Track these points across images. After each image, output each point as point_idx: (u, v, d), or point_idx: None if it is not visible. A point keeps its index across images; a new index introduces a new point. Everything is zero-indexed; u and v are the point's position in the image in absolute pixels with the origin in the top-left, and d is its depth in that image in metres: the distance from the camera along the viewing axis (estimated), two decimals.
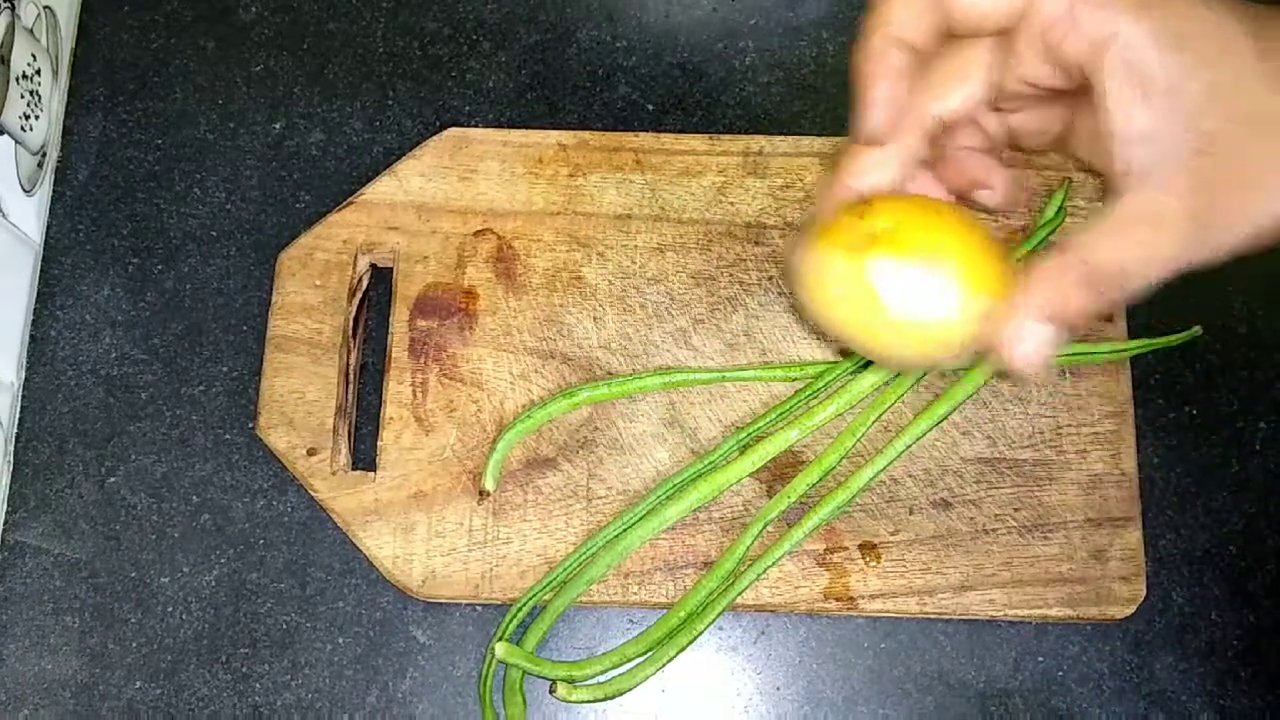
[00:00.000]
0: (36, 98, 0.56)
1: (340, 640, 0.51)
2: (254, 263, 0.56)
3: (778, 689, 0.51)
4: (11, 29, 0.54)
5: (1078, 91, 0.31)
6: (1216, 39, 0.29)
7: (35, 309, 0.56)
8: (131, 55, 0.60)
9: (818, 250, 0.34)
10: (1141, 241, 0.30)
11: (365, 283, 0.55)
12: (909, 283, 0.32)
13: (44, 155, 0.57)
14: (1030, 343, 0.31)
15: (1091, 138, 0.33)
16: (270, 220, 0.57)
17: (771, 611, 0.50)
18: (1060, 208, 0.53)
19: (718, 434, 0.51)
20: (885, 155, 0.34)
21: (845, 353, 0.50)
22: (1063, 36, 0.29)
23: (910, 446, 0.50)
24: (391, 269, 0.54)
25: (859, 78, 0.32)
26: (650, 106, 0.59)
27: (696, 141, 0.55)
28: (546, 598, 0.49)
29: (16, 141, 0.55)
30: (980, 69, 0.32)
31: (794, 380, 0.52)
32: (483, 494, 0.50)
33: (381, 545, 0.50)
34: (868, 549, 0.50)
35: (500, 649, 0.47)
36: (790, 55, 0.59)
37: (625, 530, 0.49)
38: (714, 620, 0.49)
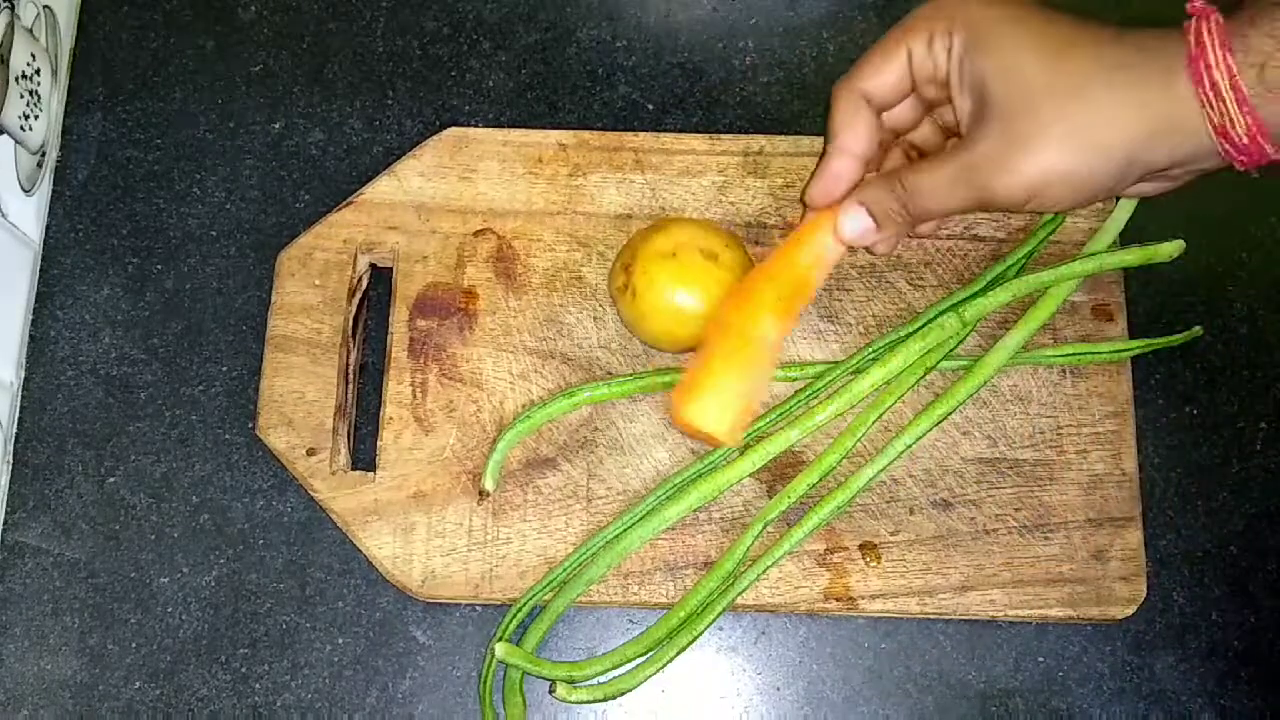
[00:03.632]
0: (36, 97, 0.56)
1: (340, 640, 0.51)
2: (254, 263, 0.56)
3: (778, 689, 0.51)
4: (11, 29, 0.54)
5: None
6: (1007, 36, 0.40)
7: (35, 309, 0.56)
8: (131, 55, 0.60)
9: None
10: (935, 183, 0.42)
11: (365, 282, 0.54)
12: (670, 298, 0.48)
13: (43, 155, 0.57)
14: (852, 221, 0.45)
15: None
16: (270, 220, 0.57)
17: (771, 611, 0.50)
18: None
19: None
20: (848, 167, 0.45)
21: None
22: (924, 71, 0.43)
23: (910, 446, 0.50)
24: (391, 269, 0.54)
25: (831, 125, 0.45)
26: (650, 106, 0.59)
27: (696, 141, 0.55)
28: (546, 598, 0.49)
29: (16, 141, 0.54)
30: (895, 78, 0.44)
31: (794, 380, 0.52)
32: (483, 494, 0.50)
33: (381, 545, 0.50)
34: (868, 549, 0.50)
35: (500, 649, 0.47)
36: (790, 55, 0.59)
37: (625, 530, 0.49)
38: (714, 620, 0.49)
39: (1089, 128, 0.38)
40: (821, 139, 0.55)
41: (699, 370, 0.46)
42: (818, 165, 0.46)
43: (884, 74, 0.43)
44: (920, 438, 0.50)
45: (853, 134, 0.44)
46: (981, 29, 0.40)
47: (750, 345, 0.45)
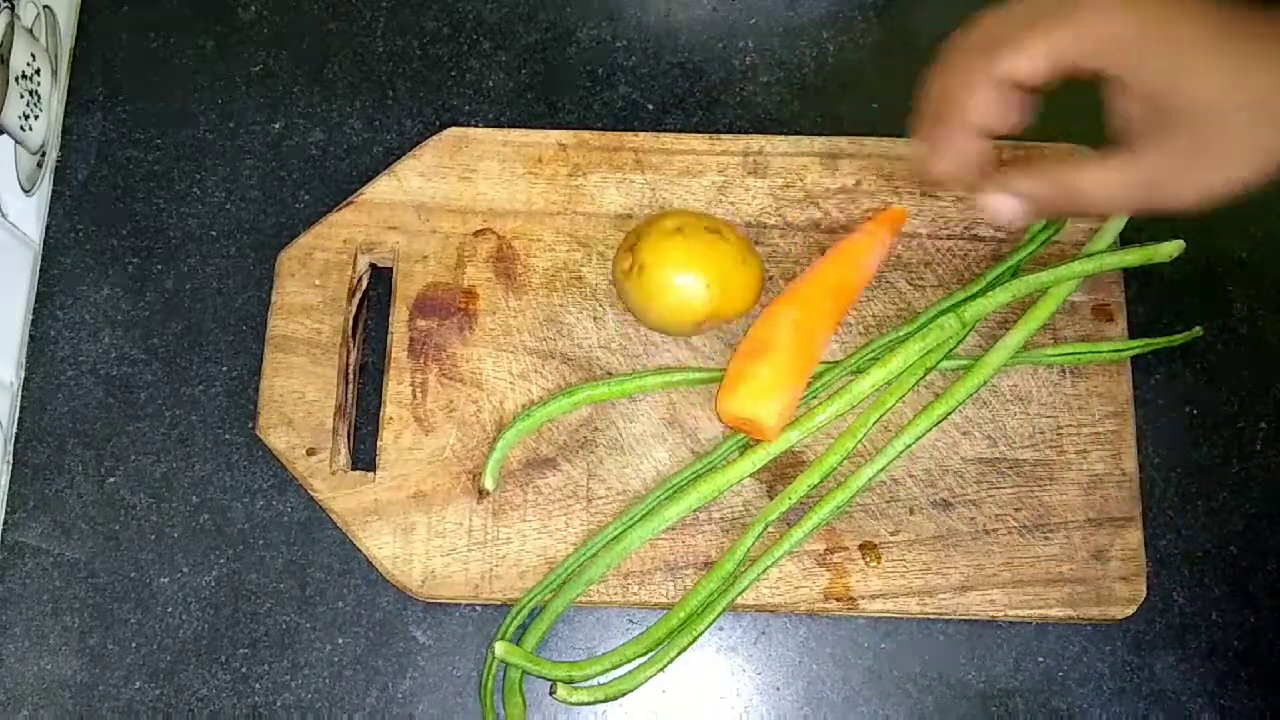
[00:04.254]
0: (36, 97, 0.56)
1: (340, 640, 0.51)
2: (254, 263, 0.56)
3: (778, 689, 0.51)
4: (11, 28, 0.54)
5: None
6: (1188, 40, 0.38)
7: (35, 309, 0.56)
8: (131, 55, 0.60)
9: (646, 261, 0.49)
10: (1108, 186, 0.41)
11: (365, 282, 0.54)
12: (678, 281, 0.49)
13: (43, 155, 0.57)
14: (1001, 204, 0.44)
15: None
16: (270, 220, 0.57)
17: (771, 611, 0.50)
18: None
19: (718, 434, 0.51)
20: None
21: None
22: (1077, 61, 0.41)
23: (910, 446, 0.50)
24: (391, 269, 0.54)
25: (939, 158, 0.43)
26: (650, 106, 0.59)
27: (696, 141, 0.55)
28: (546, 598, 0.49)
29: (16, 141, 0.54)
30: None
31: None
32: (482, 493, 0.50)
33: (381, 545, 0.50)
34: (868, 549, 0.50)
35: (500, 649, 0.47)
36: (790, 55, 0.59)
37: (625, 530, 0.49)
38: (714, 620, 0.49)
39: (1273, 143, 0.39)
40: (823, 138, 0.55)
41: (753, 362, 0.48)
42: (916, 140, 0.45)
43: (1032, 62, 0.41)
44: (920, 438, 0.50)
45: (984, 115, 0.43)
46: (1152, 32, 0.39)
47: (805, 342, 0.49)
